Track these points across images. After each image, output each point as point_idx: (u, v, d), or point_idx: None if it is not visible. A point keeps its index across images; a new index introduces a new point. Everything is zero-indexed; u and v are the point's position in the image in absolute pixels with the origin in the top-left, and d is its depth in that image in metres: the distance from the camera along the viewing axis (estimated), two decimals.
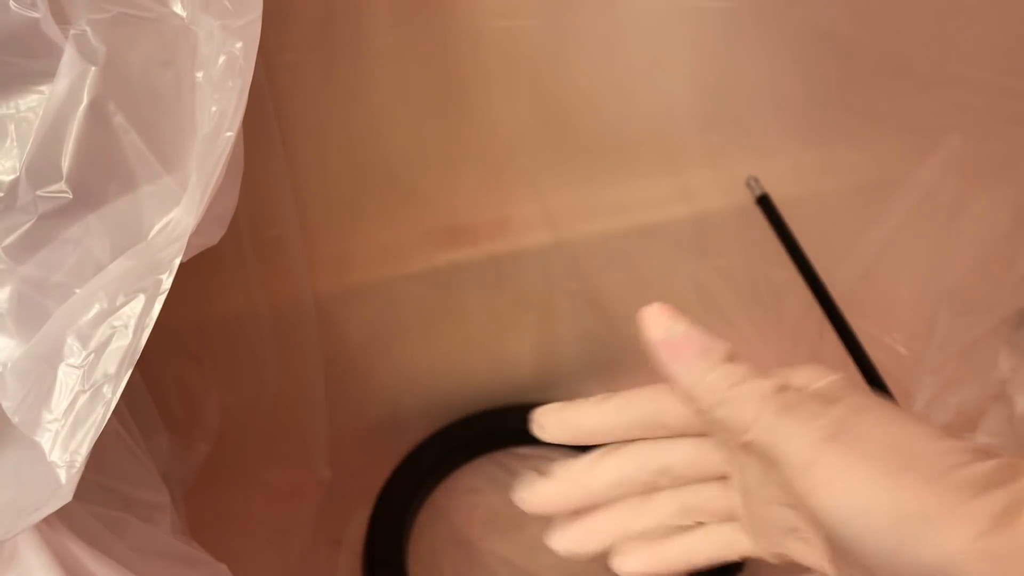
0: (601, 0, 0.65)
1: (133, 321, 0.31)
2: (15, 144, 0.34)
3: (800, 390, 0.31)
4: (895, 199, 0.75)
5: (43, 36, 0.33)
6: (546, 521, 0.77)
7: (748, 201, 0.70)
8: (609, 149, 0.74)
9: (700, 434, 0.37)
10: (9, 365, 0.32)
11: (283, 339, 0.70)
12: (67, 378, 0.30)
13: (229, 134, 0.33)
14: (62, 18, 0.33)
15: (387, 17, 0.61)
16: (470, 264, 0.75)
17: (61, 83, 0.33)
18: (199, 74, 0.35)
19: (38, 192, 0.33)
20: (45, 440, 0.30)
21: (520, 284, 0.78)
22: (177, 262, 0.32)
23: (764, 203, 0.69)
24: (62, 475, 0.30)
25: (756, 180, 0.70)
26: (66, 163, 0.33)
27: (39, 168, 0.33)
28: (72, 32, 0.33)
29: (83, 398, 0.30)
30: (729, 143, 0.73)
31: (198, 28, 0.35)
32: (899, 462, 0.26)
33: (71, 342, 0.31)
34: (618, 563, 0.38)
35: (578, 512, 0.38)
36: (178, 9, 0.36)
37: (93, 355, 0.31)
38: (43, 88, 0.34)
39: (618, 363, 0.87)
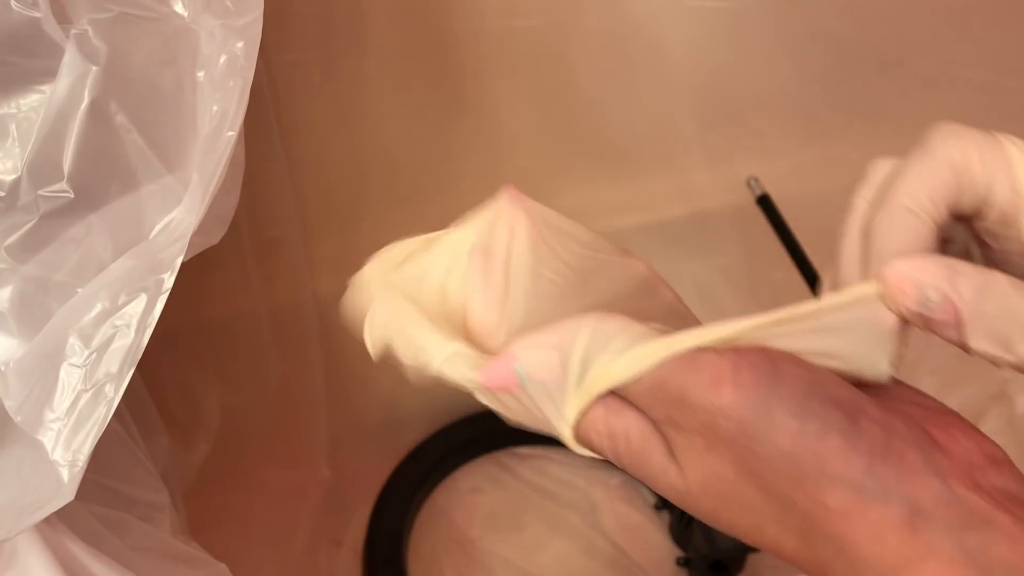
0: (602, 0, 0.65)
1: (135, 320, 0.31)
2: (16, 144, 0.34)
3: None
4: None
5: (44, 36, 0.33)
6: (546, 522, 0.78)
7: (748, 201, 0.70)
8: (609, 149, 0.74)
9: None
10: (11, 364, 0.32)
11: (283, 339, 0.70)
12: (69, 377, 0.30)
13: (231, 133, 0.33)
14: (63, 18, 0.33)
15: (387, 17, 0.61)
16: None
17: (62, 83, 0.33)
18: (200, 74, 0.35)
19: (40, 192, 0.33)
20: (47, 439, 0.30)
21: None
22: (179, 261, 0.32)
23: (764, 203, 0.69)
24: (64, 474, 0.30)
25: (756, 180, 0.70)
26: (68, 163, 0.33)
27: (41, 168, 0.33)
28: (73, 32, 0.33)
29: (85, 397, 0.30)
30: (729, 143, 0.73)
31: (199, 28, 0.35)
32: None
33: (73, 341, 0.31)
34: None
35: None
36: (179, 9, 0.36)
37: (95, 354, 0.31)
38: (44, 88, 0.34)
39: None
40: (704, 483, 0.27)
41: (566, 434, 0.29)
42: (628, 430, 0.28)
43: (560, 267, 0.33)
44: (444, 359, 0.29)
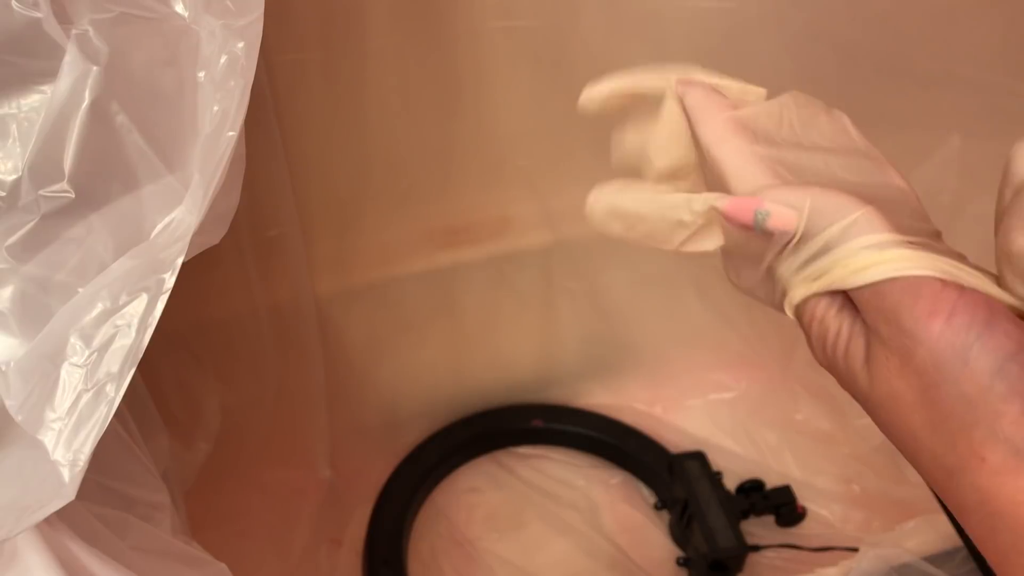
0: (601, 1, 0.65)
1: (136, 320, 0.31)
2: (17, 144, 0.34)
3: None
4: None
5: (45, 36, 0.33)
6: (545, 521, 0.78)
7: None
8: (609, 149, 0.74)
9: None
10: (12, 364, 0.32)
11: (283, 339, 0.70)
12: (70, 377, 0.30)
13: (231, 133, 0.33)
14: (64, 18, 0.33)
15: (387, 17, 0.61)
16: (470, 264, 0.75)
17: (63, 83, 0.33)
18: (201, 74, 0.35)
19: (41, 192, 0.33)
20: (48, 439, 0.30)
21: (520, 284, 0.78)
22: (180, 261, 0.32)
23: None
24: (65, 474, 0.30)
25: None
26: (68, 163, 0.33)
27: (41, 168, 0.33)
28: (74, 32, 0.33)
29: (86, 397, 0.30)
30: None
31: (200, 28, 0.35)
32: None
33: (74, 341, 0.31)
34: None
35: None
36: (180, 9, 0.36)
37: (96, 354, 0.31)
38: (45, 88, 0.34)
39: (618, 363, 0.87)
40: (885, 399, 0.29)
41: (787, 299, 0.32)
42: (840, 328, 0.30)
43: (814, 141, 0.35)
44: (702, 201, 0.33)
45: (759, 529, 0.74)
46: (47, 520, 0.31)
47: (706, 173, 0.36)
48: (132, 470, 0.41)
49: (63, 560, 0.32)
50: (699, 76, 0.39)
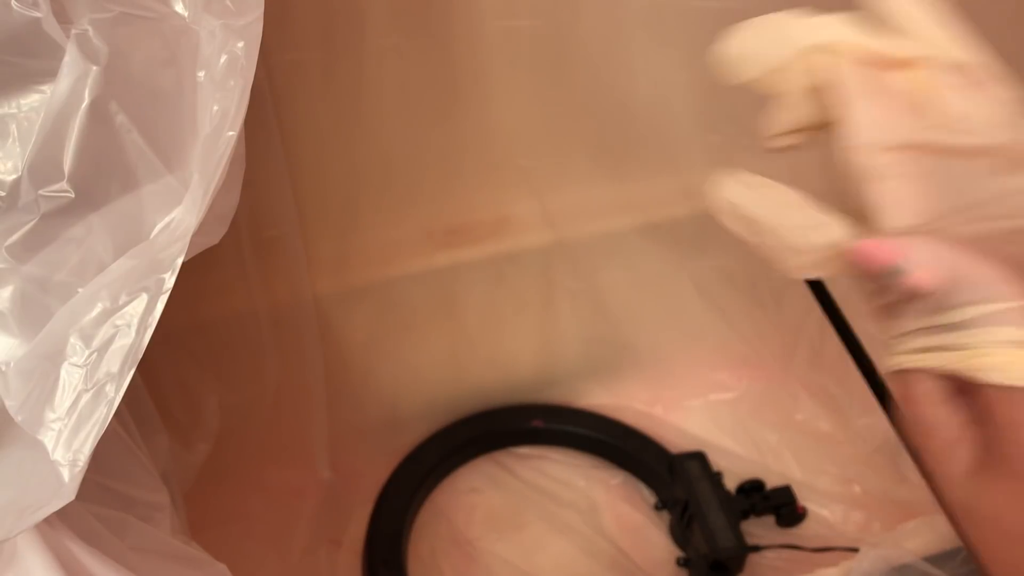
0: (602, 0, 0.65)
1: (136, 320, 0.31)
2: (17, 143, 0.34)
3: None
4: None
5: (45, 36, 0.33)
6: (545, 522, 0.77)
7: None
8: (609, 149, 0.74)
9: None
10: (12, 364, 0.32)
11: (283, 339, 0.70)
12: (70, 377, 0.30)
13: (231, 133, 0.33)
14: (64, 18, 0.33)
15: (387, 17, 0.61)
16: (470, 264, 0.75)
17: (63, 83, 0.33)
18: (201, 73, 0.35)
19: (40, 191, 0.33)
20: (48, 439, 0.30)
21: (520, 284, 0.78)
22: (179, 261, 0.32)
23: None
24: (65, 474, 0.30)
25: None
26: (68, 162, 0.33)
27: (41, 167, 0.33)
28: (74, 32, 0.33)
29: (86, 397, 0.30)
30: (729, 143, 0.73)
31: (200, 27, 0.35)
32: None
33: (74, 341, 0.31)
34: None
35: None
36: (180, 8, 0.36)
37: (96, 354, 0.31)
38: (45, 88, 0.34)
39: (618, 363, 0.87)
40: (989, 520, 0.25)
41: (889, 360, 0.27)
42: (937, 424, 0.26)
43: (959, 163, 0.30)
44: (825, 240, 0.29)
45: (759, 529, 0.74)
46: (47, 520, 0.31)
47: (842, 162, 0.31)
48: (132, 470, 0.41)
49: (63, 560, 0.32)
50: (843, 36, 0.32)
